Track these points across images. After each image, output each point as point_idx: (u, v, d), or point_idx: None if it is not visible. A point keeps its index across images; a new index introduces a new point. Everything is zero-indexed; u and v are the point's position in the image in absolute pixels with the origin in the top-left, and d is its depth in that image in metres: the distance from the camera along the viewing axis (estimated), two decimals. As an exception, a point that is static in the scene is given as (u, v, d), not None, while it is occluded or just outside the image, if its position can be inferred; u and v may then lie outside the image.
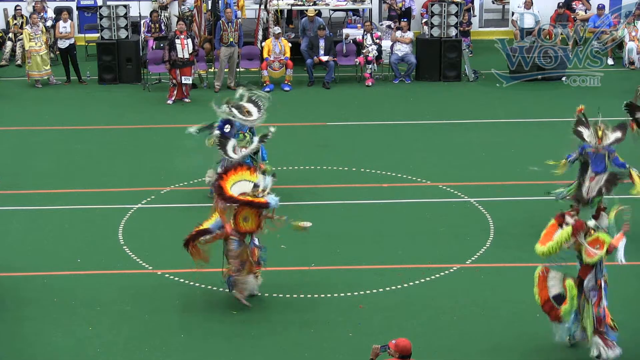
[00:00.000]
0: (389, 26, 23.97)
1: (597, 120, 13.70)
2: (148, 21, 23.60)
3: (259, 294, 12.35)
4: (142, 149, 18.16)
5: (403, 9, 24.73)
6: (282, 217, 11.97)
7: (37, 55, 21.90)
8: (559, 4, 24.81)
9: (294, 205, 14.32)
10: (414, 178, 16.48)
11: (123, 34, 22.33)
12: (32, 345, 11.44)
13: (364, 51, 22.28)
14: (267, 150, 15.41)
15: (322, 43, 22.31)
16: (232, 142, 14.32)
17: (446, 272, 13.16)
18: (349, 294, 12.54)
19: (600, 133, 13.54)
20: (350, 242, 14.11)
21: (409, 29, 23.03)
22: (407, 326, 11.71)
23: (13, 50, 24.08)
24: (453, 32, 22.60)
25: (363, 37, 22.41)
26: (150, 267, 13.34)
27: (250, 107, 14.90)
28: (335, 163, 17.18)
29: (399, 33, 22.84)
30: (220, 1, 22.93)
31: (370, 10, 24.91)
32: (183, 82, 20.81)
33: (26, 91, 21.91)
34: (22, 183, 16.37)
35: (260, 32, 23.24)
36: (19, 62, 23.72)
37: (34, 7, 23.60)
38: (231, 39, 21.72)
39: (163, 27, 23.65)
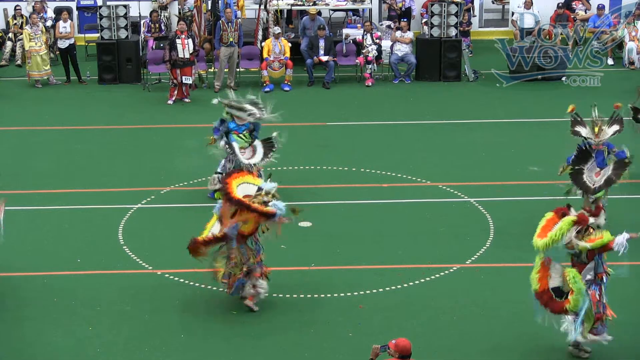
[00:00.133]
0: (388, 26, 23.96)
1: (593, 117, 13.70)
2: (148, 21, 23.60)
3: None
4: (142, 149, 18.15)
5: (403, 9, 24.73)
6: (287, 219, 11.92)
7: (37, 55, 21.89)
8: (558, 4, 24.79)
9: (294, 205, 14.25)
10: (414, 178, 16.47)
11: (123, 34, 22.32)
12: (32, 345, 11.43)
13: (363, 51, 22.26)
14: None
15: (322, 43, 22.30)
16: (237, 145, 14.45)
17: (446, 272, 13.15)
18: (349, 294, 12.54)
19: (597, 129, 13.54)
20: (350, 242, 14.10)
21: (408, 29, 23.02)
22: (407, 326, 11.71)
23: (13, 50, 24.08)
24: (453, 32, 22.59)
25: (363, 37, 22.40)
26: (150, 267, 13.34)
27: (249, 107, 14.89)
28: (335, 163, 17.17)
29: (398, 33, 22.83)
30: (220, 1, 22.91)
31: (370, 10, 24.89)
32: (184, 82, 20.81)
33: (26, 91, 21.90)
34: (22, 183, 16.37)
35: (260, 32, 23.22)
36: (19, 62, 23.72)
37: (33, 7, 23.58)
38: (231, 39, 21.70)
39: (163, 27, 23.64)
